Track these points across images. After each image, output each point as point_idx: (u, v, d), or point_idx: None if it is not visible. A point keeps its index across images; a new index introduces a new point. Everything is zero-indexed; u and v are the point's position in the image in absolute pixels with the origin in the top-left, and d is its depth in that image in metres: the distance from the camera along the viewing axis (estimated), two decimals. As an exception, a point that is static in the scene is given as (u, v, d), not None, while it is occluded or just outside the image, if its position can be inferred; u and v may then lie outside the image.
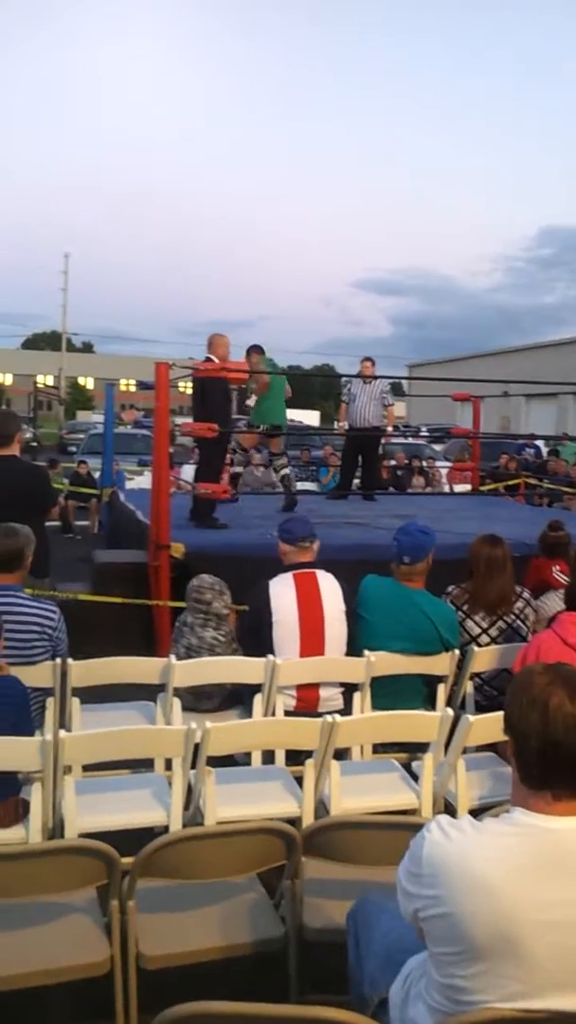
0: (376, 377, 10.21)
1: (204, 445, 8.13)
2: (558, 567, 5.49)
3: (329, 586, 4.37)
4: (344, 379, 10.86)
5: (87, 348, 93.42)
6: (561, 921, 1.67)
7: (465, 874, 1.71)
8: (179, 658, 4.17)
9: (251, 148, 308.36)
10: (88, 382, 71.62)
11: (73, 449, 24.09)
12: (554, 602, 4.80)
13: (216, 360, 7.78)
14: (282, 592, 4.33)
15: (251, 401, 8.95)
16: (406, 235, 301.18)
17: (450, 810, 3.54)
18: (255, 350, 9.19)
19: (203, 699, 4.36)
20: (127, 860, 2.59)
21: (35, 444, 19.59)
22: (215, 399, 7.72)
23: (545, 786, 1.75)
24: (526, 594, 4.80)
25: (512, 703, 1.82)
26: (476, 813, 3.36)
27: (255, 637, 4.33)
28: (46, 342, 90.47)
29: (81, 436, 25.62)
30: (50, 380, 55.25)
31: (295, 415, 37.63)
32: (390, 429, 10.53)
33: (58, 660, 3.98)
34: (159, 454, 7.03)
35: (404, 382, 45.68)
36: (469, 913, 1.69)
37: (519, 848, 1.72)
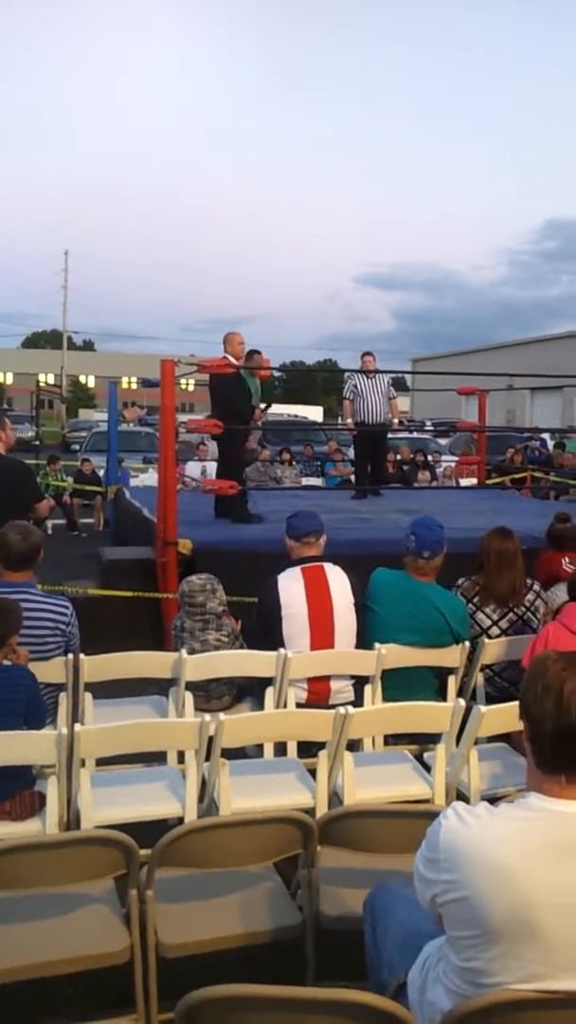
0: (379, 372, 10.17)
1: (222, 443, 8.18)
2: (567, 558, 5.51)
3: (337, 579, 4.39)
4: (347, 375, 10.80)
5: (88, 346, 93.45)
6: None
7: (482, 858, 1.73)
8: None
9: (252, 143, 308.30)
10: (89, 380, 71.64)
11: (76, 447, 24.12)
12: (564, 594, 4.81)
13: (232, 358, 7.81)
14: (291, 586, 4.35)
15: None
16: (409, 230, 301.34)
17: (463, 800, 3.56)
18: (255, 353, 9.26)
19: (212, 699, 4.38)
20: (144, 851, 2.62)
21: (37, 443, 19.60)
22: (233, 396, 7.74)
23: (559, 770, 1.78)
24: (536, 586, 4.82)
25: (527, 689, 1.85)
26: (489, 803, 3.39)
27: (266, 632, 4.35)
28: (47, 341, 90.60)
29: (84, 434, 25.67)
30: (51, 379, 55.26)
31: (299, 411, 37.62)
32: (396, 423, 10.46)
33: (70, 656, 4.02)
34: (165, 451, 7.06)
35: (408, 376, 45.68)
36: (486, 896, 1.71)
37: (534, 832, 1.75)
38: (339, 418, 13.94)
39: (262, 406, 9.04)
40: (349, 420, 10.51)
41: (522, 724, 1.87)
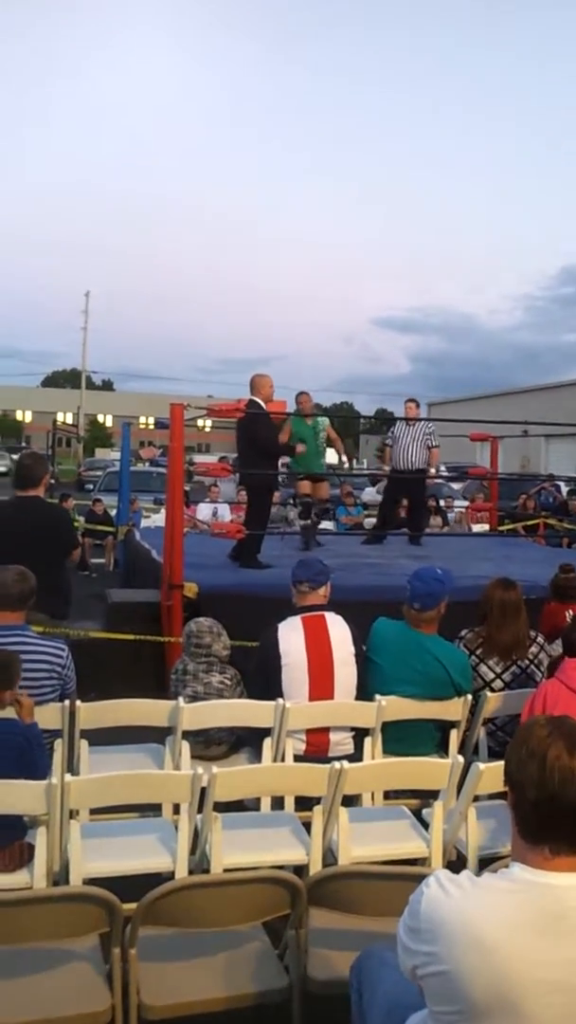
0: (419, 419, 10.18)
1: (250, 490, 8.18)
2: (572, 611, 5.45)
3: (338, 629, 4.35)
4: (363, 420, 10.87)
5: (107, 386, 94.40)
6: (561, 980, 1.64)
7: (463, 931, 1.68)
8: (186, 706, 4.15)
9: (272, 185, 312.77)
10: (107, 420, 72.24)
11: (91, 486, 24.25)
12: (570, 647, 4.76)
13: (261, 401, 7.84)
14: (290, 636, 4.31)
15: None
16: (426, 273, 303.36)
17: (460, 859, 3.50)
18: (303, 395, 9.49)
19: (212, 745, 4.33)
20: (131, 906, 2.57)
21: (53, 481, 19.71)
22: (266, 441, 7.78)
23: (543, 840, 1.73)
24: (540, 639, 4.77)
25: (512, 754, 1.81)
26: (487, 862, 3.33)
27: (264, 681, 4.31)
28: (66, 380, 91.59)
29: (99, 473, 25.81)
30: (70, 418, 55.73)
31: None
32: (433, 471, 10.37)
33: (66, 702, 3.98)
34: (173, 493, 7.07)
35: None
36: (467, 971, 1.66)
37: (517, 905, 1.70)
38: (352, 461, 13.92)
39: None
40: (387, 467, 10.54)
41: (506, 790, 1.83)
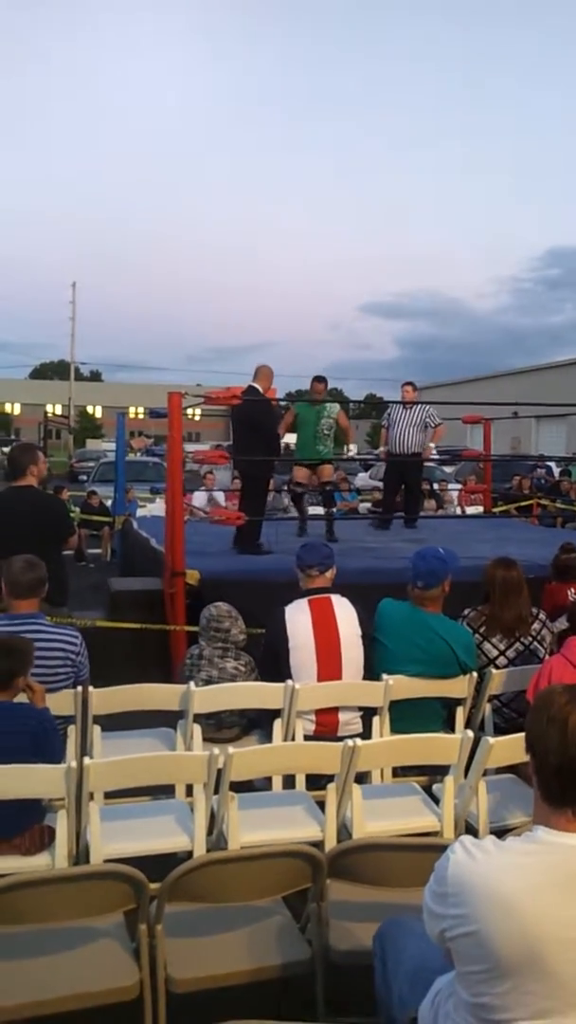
0: (416, 403, 10.16)
1: (247, 477, 8.20)
2: (573, 589, 5.51)
3: (344, 610, 4.41)
4: (353, 404, 10.89)
5: (95, 377, 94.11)
6: None
7: (489, 893, 1.74)
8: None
9: (257, 172, 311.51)
10: (97, 410, 72.07)
11: (83, 477, 24.19)
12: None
13: (260, 390, 7.87)
14: (298, 618, 4.37)
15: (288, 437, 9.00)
16: (413, 258, 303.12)
17: (471, 832, 3.56)
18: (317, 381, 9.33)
19: (223, 728, 4.38)
20: (153, 885, 2.62)
21: (45, 472, 19.66)
22: (265, 429, 7.80)
23: (566, 804, 1.79)
24: (542, 615, 4.83)
25: (533, 722, 1.87)
26: (498, 834, 3.38)
27: (273, 664, 4.36)
28: (54, 371, 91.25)
29: (91, 464, 25.75)
30: (59, 409, 55.55)
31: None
32: (431, 448, 10.35)
33: (79, 688, 4.03)
34: (172, 482, 7.10)
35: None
36: (494, 931, 1.72)
37: (541, 866, 1.75)
38: (344, 447, 13.95)
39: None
40: (382, 449, 10.55)
41: (528, 757, 1.88)
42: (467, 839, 1.88)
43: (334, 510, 9.66)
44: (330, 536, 8.66)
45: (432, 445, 10.23)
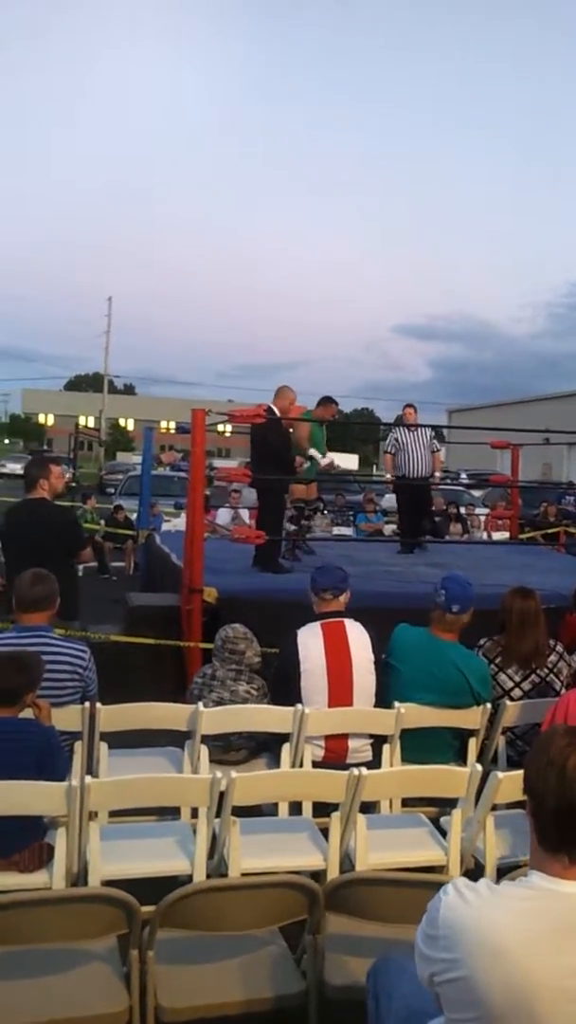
0: (420, 425, 10.09)
1: (262, 494, 8.21)
2: (593, 622, 5.42)
3: (357, 636, 4.36)
4: (383, 427, 10.82)
5: (129, 390, 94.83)
6: None
7: (481, 938, 1.69)
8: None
9: (295, 193, 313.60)
10: (129, 423, 72.57)
11: (111, 490, 24.34)
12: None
13: (276, 410, 7.89)
14: (310, 642, 4.33)
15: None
16: (448, 281, 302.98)
17: (479, 867, 3.49)
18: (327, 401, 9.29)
19: (231, 751, 4.34)
20: (150, 909, 2.59)
21: (74, 484, 19.80)
22: (274, 448, 7.80)
23: (562, 849, 1.74)
24: (560, 647, 4.75)
25: (531, 763, 1.82)
26: (505, 871, 3.32)
27: (284, 687, 4.32)
28: (88, 384, 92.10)
29: (120, 477, 25.90)
30: (91, 421, 56.02)
31: (334, 459, 37.72)
32: (438, 475, 10.28)
33: (87, 704, 4.01)
34: (194, 498, 7.10)
35: (444, 428, 45.71)
36: (485, 978, 1.67)
37: (535, 913, 1.70)
38: (374, 467, 13.91)
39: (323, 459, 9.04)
40: (389, 475, 10.44)
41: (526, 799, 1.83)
42: (460, 881, 1.83)
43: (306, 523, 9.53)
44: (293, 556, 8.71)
45: (438, 474, 10.16)
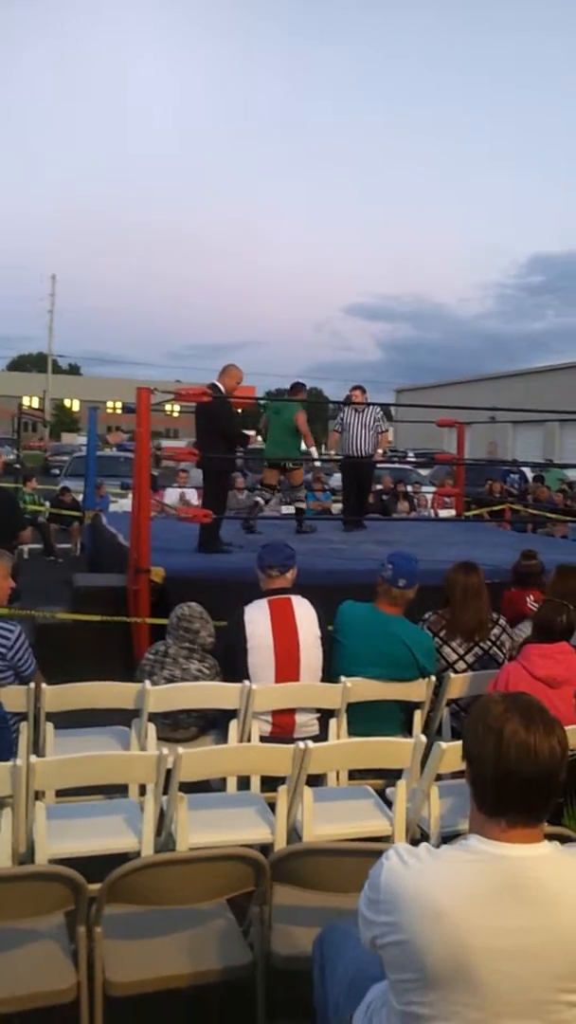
0: (368, 404, 10.23)
1: (207, 474, 8.20)
2: (531, 597, 5.52)
3: (304, 612, 4.39)
4: (332, 406, 11.02)
5: (74, 370, 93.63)
6: (513, 949, 1.68)
7: (420, 901, 1.72)
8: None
9: (243, 170, 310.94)
10: (74, 404, 71.70)
11: (57, 471, 24.06)
12: (530, 631, 4.82)
13: (223, 388, 7.87)
14: (256, 618, 4.34)
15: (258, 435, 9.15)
16: (399, 262, 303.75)
17: (423, 836, 3.55)
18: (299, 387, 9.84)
19: (180, 728, 4.35)
20: (96, 886, 2.59)
21: (18, 466, 19.51)
22: (219, 425, 7.79)
23: (499, 813, 1.77)
24: (502, 620, 4.83)
25: (469, 730, 1.85)
26: (449, 839, 3.38)
27: (231, 663, 4.33)
28: (32, 364, 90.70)
29: (65, 458, 25.61)
30: (36, 402, 55.25)
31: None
32: (380, 453, 10.60)
33: (32, 685, 3.98)
34: (139, 478, 7.06)
35: (392, 407, 45.94)
36: (424, 940, 1.70)
37: (473, 875, 1.73)
38: (323, 446, 13.99)
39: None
40: (333, 451, 10.69)
41: (464, 765, 1.86)
42: (401, 846, 1.86)
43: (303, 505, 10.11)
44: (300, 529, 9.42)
45: (380, 451, 10.47)
